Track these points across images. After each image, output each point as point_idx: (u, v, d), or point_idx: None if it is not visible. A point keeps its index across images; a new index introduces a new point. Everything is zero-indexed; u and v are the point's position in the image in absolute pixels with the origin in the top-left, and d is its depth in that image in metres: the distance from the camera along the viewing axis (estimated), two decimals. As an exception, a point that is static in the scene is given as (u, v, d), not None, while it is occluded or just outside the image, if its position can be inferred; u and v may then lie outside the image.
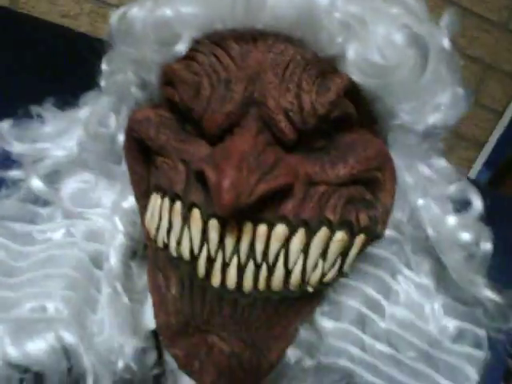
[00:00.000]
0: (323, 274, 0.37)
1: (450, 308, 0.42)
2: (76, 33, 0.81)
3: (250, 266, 0.35)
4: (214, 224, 0.34)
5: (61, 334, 0.37)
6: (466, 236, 0.41)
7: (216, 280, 0.35)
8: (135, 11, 0.38)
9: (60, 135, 0.46)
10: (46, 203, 0.44)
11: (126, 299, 0.41)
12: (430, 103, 0.40)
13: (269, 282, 0.35)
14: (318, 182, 0.35)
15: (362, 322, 0.41)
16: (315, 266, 0.36)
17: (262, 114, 0.34)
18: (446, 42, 0.40)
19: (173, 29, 0.36)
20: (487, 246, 0.42)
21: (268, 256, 0.34)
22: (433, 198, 0.41)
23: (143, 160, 0.40)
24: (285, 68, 0.35)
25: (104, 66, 0.44)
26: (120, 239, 0.41)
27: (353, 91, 0.36)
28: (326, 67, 0.36)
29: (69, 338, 0.38)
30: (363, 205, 0.37)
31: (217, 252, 0.34)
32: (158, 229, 0.37)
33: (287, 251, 0.35)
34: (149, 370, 0.42)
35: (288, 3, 0.34)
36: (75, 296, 0.39)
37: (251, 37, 0.35)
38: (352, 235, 0.37)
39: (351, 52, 0.35)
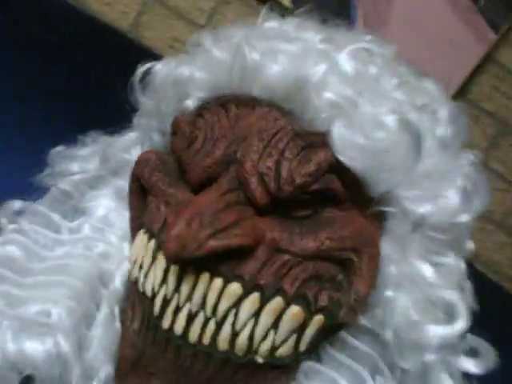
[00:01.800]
0: (274, 347, 0.36)
1: None
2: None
3: (200, 317, 0.35)
4: (174, 268, 0.35)
5: (59, 341, 0.38)
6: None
7: (166, 322, 0.36)
8: (159, 67, 0.44)
9: (92, 156, 0.51)
10: (72, 217, 0.48)
11: (118, 324, 0.42)
12: (432, 193, 0.38)
13: (215, 338, 0.35)
14: (284, 250, 0.35)
15: None
16: (265, 335, 0.35)
17: (239, 174, 0.36)
18: (445, 132, 0.39)
19: (186, 87, 0.41)
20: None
21: (217, 312, 0.35)
22: (413, 298, 0.37)
23: (140, 198, 0.43)
24: (273, 135, 0.36)
25: (138, 114, 0.49)
26: (126, 265, 0.43)
27: (341, 169, 0.36)
28: (316, 141, 0.36)
29: (65, 346, 0.38)
30: (330, 285, 0.36)
31: (173, 295, 0.35)
32: (134, 263, 0.40)
33: (237, 312, 0.35)
34: None
35: (280, 76, 0.36)
36: (78, 308, 0.41)
37: (251, 102, 0.38)
38: (310, 313, 0.35)
39: (335, 130, 0.36)
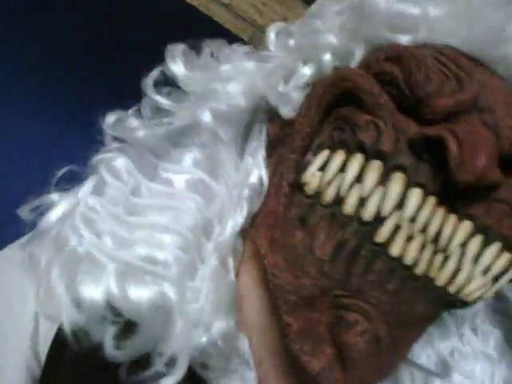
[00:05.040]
0: (476, 290, 0.36)
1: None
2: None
3: (428, 249, 0.34)
4: (417, 192, 0.34)
5: (165, 290, 0.37)
6: None
7: (396, 249, 0.34)
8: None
9: (230, 80, 0.42)
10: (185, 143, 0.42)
11: (233, 277, 0.39)
12: None
13: (439, 271, 0.35)
14: (503, 200, 0.35)
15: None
16: (480, 276, 0.36)
17: (487, 119, 0.36)
18: None
19: (413, 23, 0.38)
20: None
21: (449, 246, 0.34)
22: None
23: (325, 114, 0.38)
24: (507, 93, 0.37)
25: (284, 28, 0.44)
26: (243, 212, 0.40)
27: None
28: None
29: (170, 295, 0.36)
30: None
31: (407, 223, 0.34)
32: (329, 183, 0.35)
33: (465, 249, 0.35)
34: (228, 360, 0.38)
35: None
36: (185, 257, 0.38)
37: (474, 60, 0.38)
38: None
39: None
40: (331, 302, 0.35)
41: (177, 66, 0.42)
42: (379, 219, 0.34)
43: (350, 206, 0.35)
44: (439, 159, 0.34)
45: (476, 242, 0.35)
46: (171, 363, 0.36)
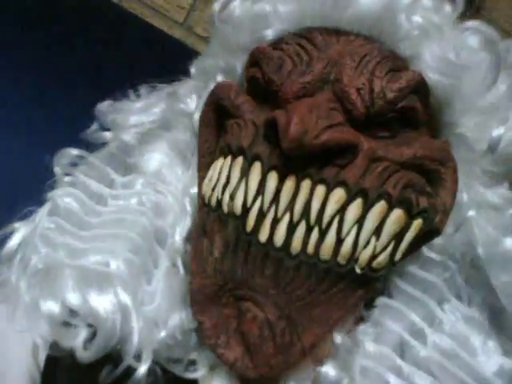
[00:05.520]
0: (374, 255, 0.36)
1: (507, 349, 0.39)
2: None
3: (302, 226, 0.35)
4: (272, 175, 0.35)
5: (118, 292, 0.38)
6: None
7: (264, 235, 0.35)
8: (237, 2, 0.44)
9: (148, 108, 0.50)
10: (125, 171, 0.47)
11: (183, 272, 0.42)
12: (497, 118, 0.40)
13: (318, 247, 0.35)
14: (381, 157, 0.36)
15: (402, 349, 0.38)
16: (367, 241, 0.35)
17: (336, 89, 0.37)
18: None
19: (267, 20, 0.42)
20: None
21: (322, 219, 0.34)
22: (488, 219, 0.40)
23: (215, 128, 0.42)
24: (361, 57, 0.38)
25: (200, 59, 0.50)
26: (188, 220, 0.43)
27: (424, 91, 0.38)
28: (400, 65, 0.39)
29: (124, 297, 0.38)
30: (423, 193, 0.37)
31: (270, 206, 0.35)
32: (213, 188, 0.39)
33: (342, 218, 0.34)
34: (188, 350, 0.41)
35: (371, 3, 0.39)
36: (136, 260, 0.41)
37: (334, 33, 0.39)
38: (409, 217, 0.36)
39: (427, 50, 0.38)
40: (232, 296, 0.37)
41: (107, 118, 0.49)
42: (247, 210, 0.36)
43: (225, 205, 0.37)
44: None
45: (353, 206, 0.34)
46: (137, 359, 0.38)
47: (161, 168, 0.46)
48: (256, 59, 0.41)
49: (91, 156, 0.47)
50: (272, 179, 0.35)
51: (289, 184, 0.34)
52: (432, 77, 0.38)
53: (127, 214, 0.43)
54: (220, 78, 0.45)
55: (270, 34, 0.42)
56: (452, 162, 0.38)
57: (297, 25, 0.41)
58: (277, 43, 0.41)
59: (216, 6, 0.46)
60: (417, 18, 0.39)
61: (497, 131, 0.39)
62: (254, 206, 0.36)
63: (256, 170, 0.36)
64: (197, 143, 0.44)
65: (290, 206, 0.35)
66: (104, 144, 0.49)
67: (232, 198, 0.37)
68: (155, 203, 0.44)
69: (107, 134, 0.49)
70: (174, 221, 0.43)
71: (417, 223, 0.36)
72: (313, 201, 0.34)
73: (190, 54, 0.50)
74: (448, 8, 0.42)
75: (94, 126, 0.50)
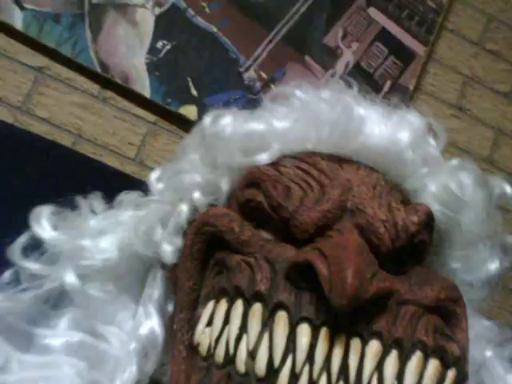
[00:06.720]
0: None
1: None
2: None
3: None
4: (304, 329, 0.30)
5: None
6: None
7: None
8: (228, 119, 0.40)
9: (101, 234, 0.42)
10: (56, 307, 0.40)
11: None
12: (485, 253, 0.42)
13: None
14: (407, 301, 0.34)
15: None
16: None
17: (359, 220, 0.34)
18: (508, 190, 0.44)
19: (264, 140, 0.39)
20: None
21: (362, 379, 0.31)
22: (493, 355, 0.41)
23: (202, 263, 0.37)
24: (373, 187, 0.36)
25: (161, 172, 0.44)
26: (131, 372, 0.37)
27: (432, 226, 0.38)
28: (406, 196, 0.39)
29: None
30: (448, 338, 0.34)
31: (304, 365, 0.30)
32: (217, 340, 0.33)
33: (381, 374, 0.31)
34: None
35: (378, 136, 0.38)
36: None
37: (336, 159, 0.38)
38: (445, 367, 0.33)
39: (433, 183, 0.39)
40: None
41: (42, 229, 0.41)
42: (275, 372, 0.31)
43: (241, 364, 0.32)
44: (318, 283, 0.31)
45: (391, 360, 0.31)
46: None
47: (102, 304, 0.39)
48: (256, 180, 0.37)
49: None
50: (304, 333, 0.30)
51: (324, 337, 0.30)
52: (437, 208, 0.39)
53: (54, 368, 0.36)
54: (198, 196, 0.40)
55: (263, 157, 0.38)
56: (462, 300, 0.37)
57: (295, 147, 0.39)
58: (273, 165, 0.38)
59: (206, 120, 0.42)
60: (421, 152, 0.39)
61: (493, 265, 0.41)
62: (284, 366, 0.31)
63: (282, 321, 0.31)
64: (171, 278, 0.39)
65: (327, 364, 0.30)
66: None
67: (252, 355, 0.31)
68: (91, 350, 0.38)
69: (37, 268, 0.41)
70: (115, 370, 0.37)
71: (452, 374, 0.34)
72: (350, 356, 0.30)
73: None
74: (434, 141, 0.43)
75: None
